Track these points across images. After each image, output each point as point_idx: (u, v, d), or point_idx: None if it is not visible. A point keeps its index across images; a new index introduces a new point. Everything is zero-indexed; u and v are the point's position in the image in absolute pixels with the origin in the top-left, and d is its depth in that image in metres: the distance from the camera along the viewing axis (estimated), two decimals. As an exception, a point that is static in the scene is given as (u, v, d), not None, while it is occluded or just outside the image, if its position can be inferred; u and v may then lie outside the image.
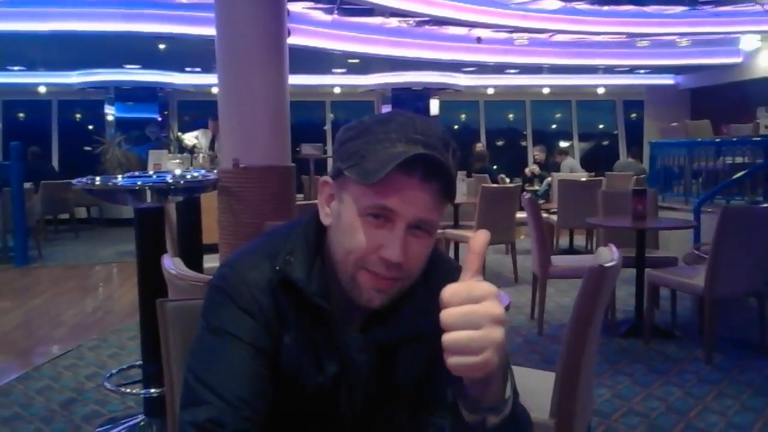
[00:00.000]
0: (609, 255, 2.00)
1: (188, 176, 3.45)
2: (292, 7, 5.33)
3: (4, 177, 7.48)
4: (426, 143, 0.98)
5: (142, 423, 3.04)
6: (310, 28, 8.99)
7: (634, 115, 14.25)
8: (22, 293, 6.33)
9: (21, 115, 13.18)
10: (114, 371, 3.47)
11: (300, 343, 1.06)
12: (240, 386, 1.00)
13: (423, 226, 1.00)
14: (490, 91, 13.57)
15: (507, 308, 2.25)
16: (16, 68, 11.45)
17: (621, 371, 3.75)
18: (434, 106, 13.33)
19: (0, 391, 3.56)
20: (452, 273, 1.13)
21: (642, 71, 12.51)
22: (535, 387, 2.19)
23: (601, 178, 8.48)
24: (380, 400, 1.10)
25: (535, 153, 11.31)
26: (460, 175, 7.14)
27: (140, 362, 3.20)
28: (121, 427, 3.04)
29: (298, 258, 1.06)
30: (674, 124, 9.41)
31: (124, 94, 12.15)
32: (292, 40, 4.91)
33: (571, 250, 7.66)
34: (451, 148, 1.03)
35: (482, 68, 11.79)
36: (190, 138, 8.36)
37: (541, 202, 8.33)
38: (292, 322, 1.06)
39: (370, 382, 1.09)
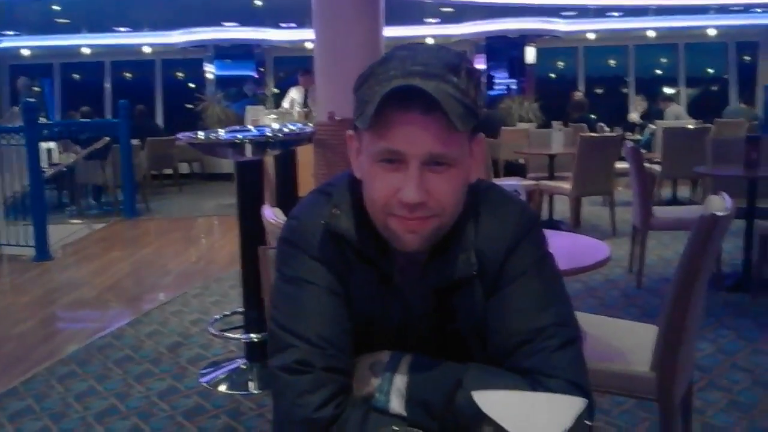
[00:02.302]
0: (721, 204, 1.88)
1: (286, 130, 3.50)
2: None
3: (113, 134, 7.86)
4: (425, 73, 0.93)
5: (244, 366, 3.17)
6: (403, -22, 8.84)
7: (747, 58, 13.29)
8: (131, 244, 6.71)
9: (128, 74, 13.77)
10: (217, 317, 3.62)
11: (365, 290, 1.06)
12: (321, 327, 1.02)
13: (440, 161, 0.96)
14: (591, 36, 12.92)
15: (606, 260, 2.18)
16: (122, 29, 11.93)
17: (725, 325, 3.58)
18: (530, 54, 12.86)
19: (113, 334, 3.80)
20: (507, 209, 1.09)
21: (758, 10, 11.58)
22: (636, 340, 2.12)
23: (710, 125, 8.00)
24: (445, 345, 1.08)
25: (636, 103, 10.78)
26: (556, 125, 6.92)
27: (242, 309, 3.33)
28: (224, 369, 3.19)
29: (344, 210, 1.06)
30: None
31: (222, 52, 12.47)
32: (384, -10, 4.85)
33: (675, 201, 7.32)
34: (462, 70, 0.97)
35: (583, 12, 11.27)
36: (286, 104, 8.49)
37: (643, 151, 7.97)
38: (357, 270, 1.06)
39: (432, 326, 1.08)
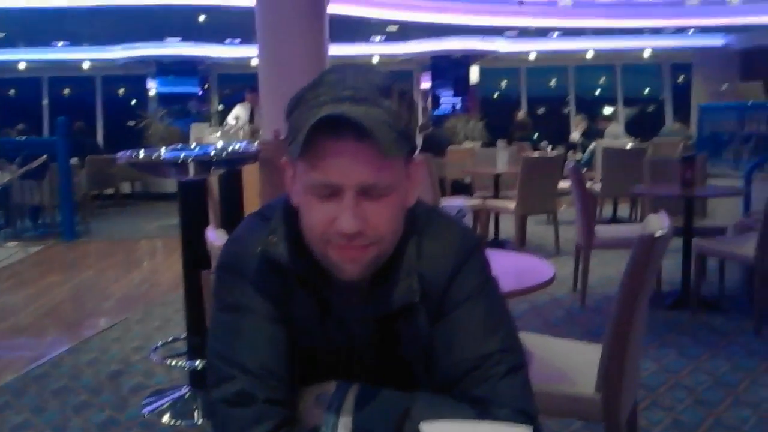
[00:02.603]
0: (659, 223, 1.93)
1: (230, 148, 3.45)
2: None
3: (51, 152, 7.62)
4: (355, 98, 0.92)
5: (188, 395, 3.09)
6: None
7: (681, 78, 13.82)
8: (70, 267, 6.49)
9: (66, 90, 13.44)
10: (160, 344, 3.53)
11: (306, 317, 1.04)
12: (262, 357, 1.00)
13: (375, 190, 0.94)
14: (532, 56, 13.25)
15: (551, 280, 2.21)
16: (60, 44, 11.64)
17: (667, 343, 3.67)
18: (474, 73, 13.12)
19: (50, 363, 3.66)
20: (449, 233, 1.08)
21: (690, 32, 12.07)
22: (580, 360, 2.15)
23: (647, 145, 8.25)
24: (390, 371, 1.07)
25: (576, 123, 11.07)
26: (501, 143, 7.04)
27: (185, 334, 3.25)
28: (167, 398, 3.10)
29: (281, 236, 1.03)
30: (724, 86, 9.10)
31: (165, 68, 12.28)
32: (330, 9, 4.87)
33: (615, 220, 7.51)
34: (394, 93, 0.95)
35: (524, 32, 11.54)
36: (231, 119, 8.40)
37: (584, 170, 8.16)
38: (297, 297, 1.04)
39: (376, 354, 1.06)
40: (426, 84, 13.34)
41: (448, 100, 13.12)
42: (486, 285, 1.07)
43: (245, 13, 6.21)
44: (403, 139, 0.94)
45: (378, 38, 11.89)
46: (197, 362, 3.05)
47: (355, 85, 0.94)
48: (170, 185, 8.76)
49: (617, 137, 9.96)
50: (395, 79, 0.98)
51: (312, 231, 0.98)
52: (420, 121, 12.59)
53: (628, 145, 8.29)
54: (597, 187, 7.02)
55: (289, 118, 0.98)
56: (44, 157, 7.57)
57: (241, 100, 8.74)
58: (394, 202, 0.97)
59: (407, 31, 11.04)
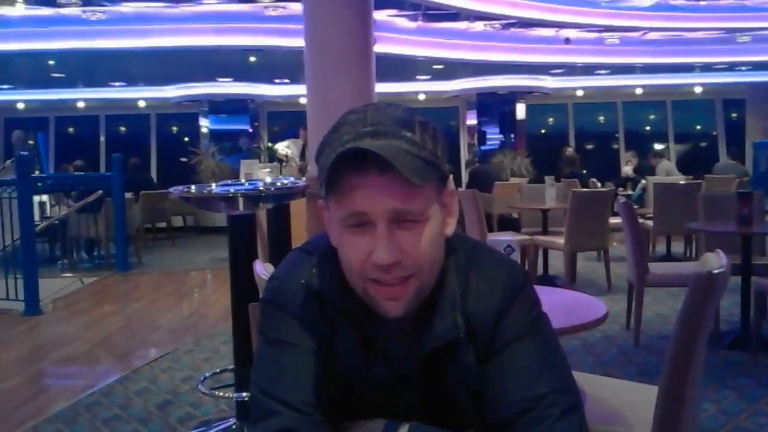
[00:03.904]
0: (717, 261, 1.87)
1: (278, 183, 3.51)
2: (377, 15, 5.35)
3: (106, 188, 7.86)
4: (376, 132, 0.93)
5: (234, 426, 3.09)
6: (395, 36, 9.03)
7: (734, 114, 13.54)
8: (122, 298, 6.63)
9: (122, 128, 13.90)
10: (208, 374, 3.55)
11: (349, 351, 1.03)
12: (306, 392, 0.99)
13: (407, 218, 0.94)
14: (579, 93, 13.18)
15: (604, 318, 2.16)
16: (117, 84, 12.08)
17: (726, 385, 3.53)
18: (521, 110, 13.09)
19: (101, 391, 3.71)
20: (495, 268, 1.06)
21: (743, 68, 11.86)
22: (635, 400, 2.09)
23: (700, 181, 8.08)
24: (437, 410, 1.04)
25: (627, 159, 10.92)
26: (548, 179, 6.97)
27: (233, 366, 3.26)
28: (214, 429, 3.10)
29: (325, 269, 1.04)
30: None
31: (216, 106, 12.61)
32: (377, 48, 4.94)
33: (669, 257, 7.33)
34: (416, 124, 0.96)
35: (571, 69, 11.51)
36: (282, 147, 8.53)
37: (635, 206, 8.02)
38: (340, 330, 1.03)
39: (420, 392, 1.04)
40: (472, 120, 13.36)
41: (495, 136, 13.12)
42: (537, 322, 1.05)
43: (294, 53, 6.36)
44: (430, 167, 0.94)
45: (424, 77, 12.00)
46: (244, 394, 3.06)
47: (376, 121, 0.95)
48: (220, 219, 8.93)
49: (669, 173, 9.79)
50: (414, 111, 0.99)
51: (351, 270, 0.98)
52: (466, 157, 12.63)
53: (681, 181, 8.13)
54: (649, 223, 6.87)
55: (317, 162, 0.99)
56: (99, 192, 7.80)
57: (295, 136, 8.88)
58: (430, 231, 0.96)
59: (453, 69, 11.12)
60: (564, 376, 1.02)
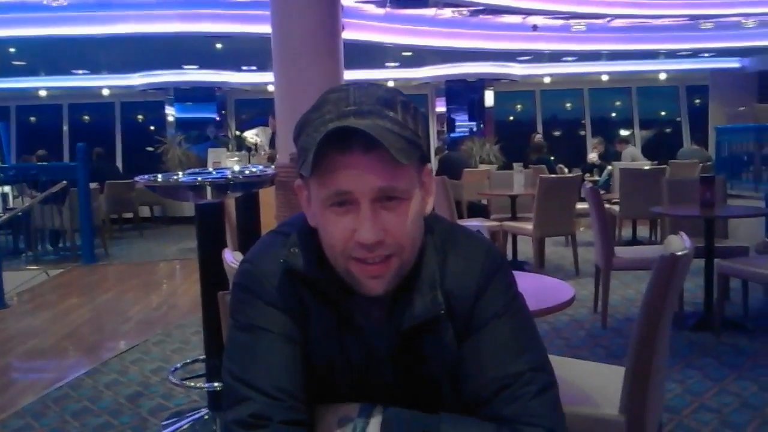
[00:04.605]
0: (680, 243, 1.91)
1: (246, 172, 3.48)
2: (345, 1, 5.32)
3: (71, 177, 7.71)
4: (359, 111, 0.94)
5: (206, 416, 3.08)
6: (363, 22, 8.99)
7: (697, 100, 13.78)
8: (89, 290, 6.53)
9: (86, 117, 13.63)
10: (178, 365, 3.52)
11: (325, 333, 1.03)
12: (278, 378, 0.99)
13: (391, 195, 0.95)
14: (547, 80, 13.30)
15: (572, 301, 2.19)
16: (80, 72, 11.84)
17: (691, 365, 3.61)
18: (489, 97, 13.16)
19: (70, 385, 3.66)
20: (473, 248, 1.07)
21: (706, 55, 12.06)
22: (603, 382, 2.13)
23: (665, 166, 8.22)
24: (411, 389, 1.05)
25: (593, 145, 11.05)
26: (517, 166, 7.03)
27: (203, 356, 3.25)
28: (186, 420, 3.09)
29: (303, 249, 1.03)
30: (742, 108, 9.06)
31: (183, 94, 12.45)
32: (345, 35, 4.92)
33: (635, 241, 7.45)
34: (398, 104, 0.97)
35: (538, 57, 11.59)
36: (251, 136, 8.44)
37: (601, 192, 8.13)
38: (315, 312, 1.03)
39: (396, 371, 1.05)
40: (441, 108, 13.40)
41: (464, 123, 13.17)
42: (514, 302, 1.06)
43: (261, 39, 6.29)
44: (412, 146, 0.95)
45: (393, 64, 11.99)
46: (216, 384, 3.05)
47: (358, 100, 0.95)
48: (188, 209, 8.85)
49: (635, 159, 9.94)
50: (397, 91, 1.00)
51: (333, 248, 0.98)
52: (436, 144, 12.66)
53: (646, 167, 8.26)
54: (615, 208, 6.98)
55: (297, 141, 0.99)
56: (64, 182, 7.65)
57: (264, 124, 8.80)
58: (411, 210, 0.97)
59: (422, 56, 11.12)
60: (540, 355, 1.04)
